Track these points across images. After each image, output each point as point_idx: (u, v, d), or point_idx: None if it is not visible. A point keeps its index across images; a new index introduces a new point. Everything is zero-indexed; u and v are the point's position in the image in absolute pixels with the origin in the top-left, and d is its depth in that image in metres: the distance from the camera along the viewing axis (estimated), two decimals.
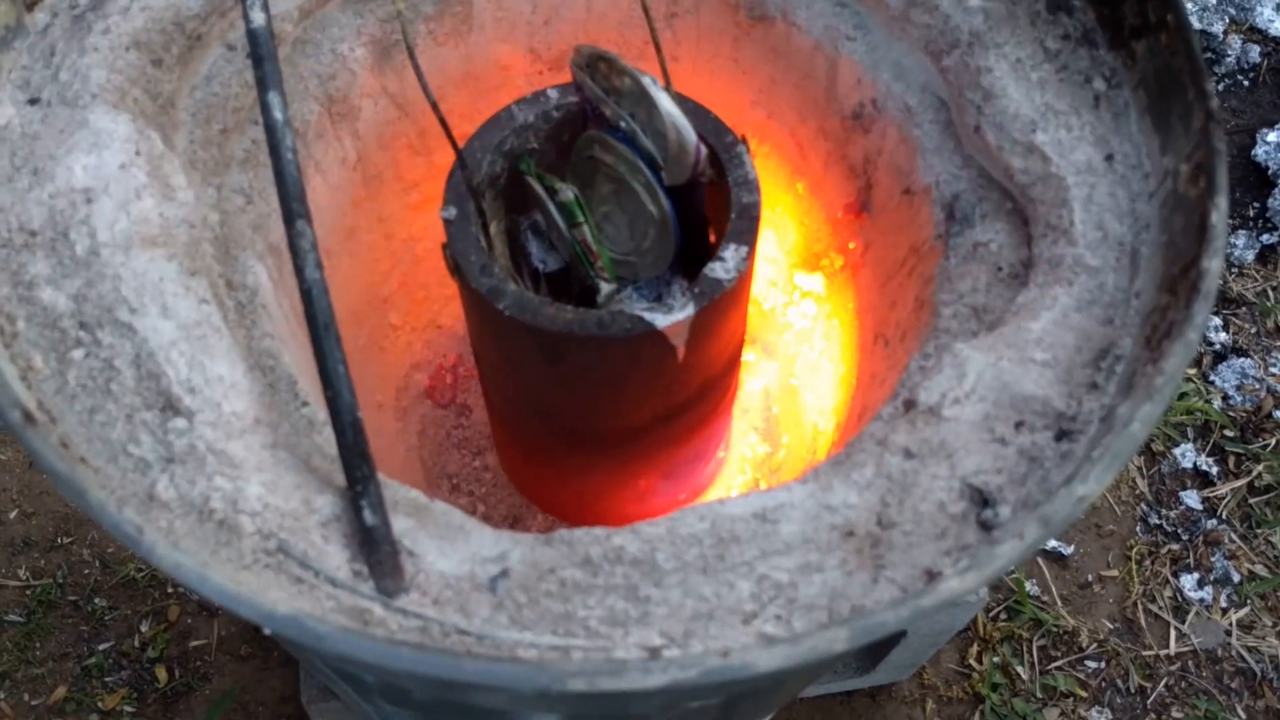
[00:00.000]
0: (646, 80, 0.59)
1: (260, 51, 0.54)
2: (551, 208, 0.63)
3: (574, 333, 0.59)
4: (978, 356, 0.50)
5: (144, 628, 1.14)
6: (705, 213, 0.65)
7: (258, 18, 0.55)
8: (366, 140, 0.70)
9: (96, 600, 1.14)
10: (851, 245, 0.73)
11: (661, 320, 0.59)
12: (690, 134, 0.60)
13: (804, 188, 0.76)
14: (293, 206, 0.50)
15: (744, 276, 0.62)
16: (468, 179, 0.62)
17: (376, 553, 0.45)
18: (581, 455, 0.71)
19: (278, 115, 0.52)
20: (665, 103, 0.59)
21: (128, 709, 1.10)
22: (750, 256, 0.61)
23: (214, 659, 1.13)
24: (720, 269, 0.60)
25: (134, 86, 0.55)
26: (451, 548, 0.47)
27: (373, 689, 0.53)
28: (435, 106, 0.59)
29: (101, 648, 1.13)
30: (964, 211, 0.60)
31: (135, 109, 0.54)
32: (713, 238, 0.67)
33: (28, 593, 1.14)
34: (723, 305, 0.61)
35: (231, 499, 0.45)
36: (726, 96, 0.74)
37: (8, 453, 1.20)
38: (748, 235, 0.61)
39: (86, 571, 1.15)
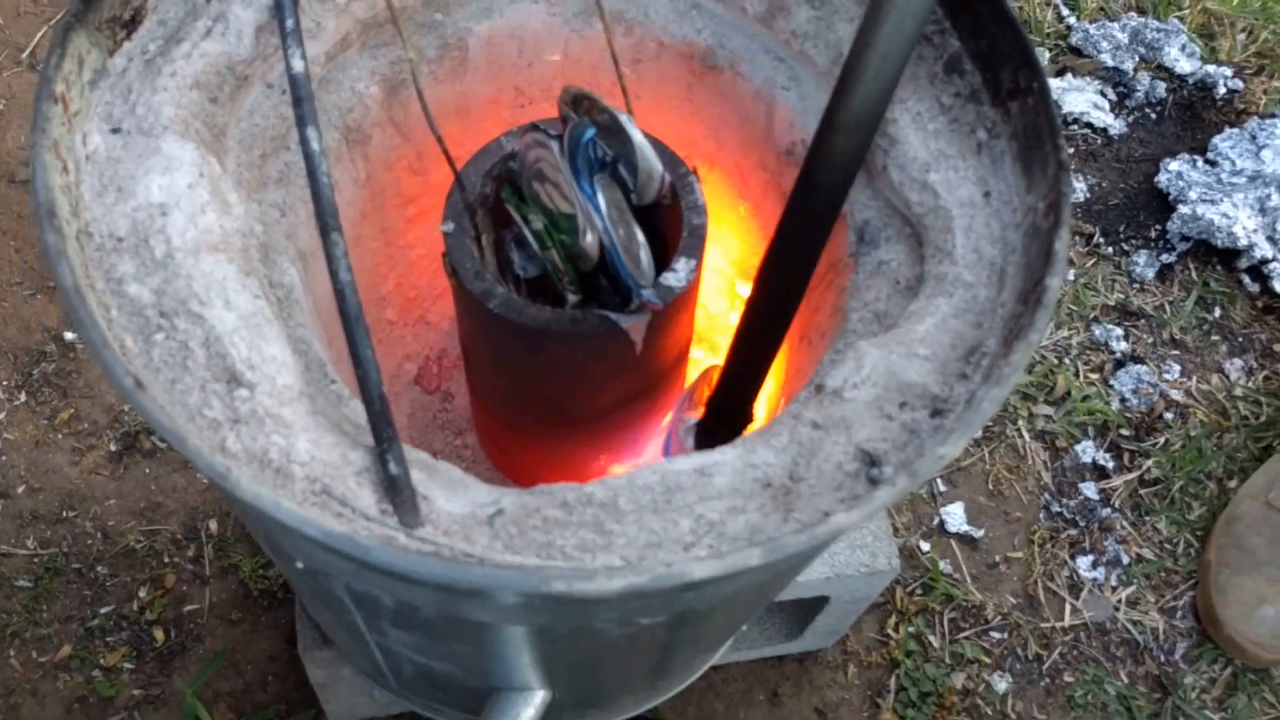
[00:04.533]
0: (623, 117, 0.72)
1: (299, 93, 0.66)
2: (526, 233, 0.76)
3: (551, 328, 0.72)
4: (874, 351, 0.64)
5: (142, 593, 1.24)
6: (664, 230, 0.78)
7: (298, 64, 0.67)
8: (374, 162, 0.82)
9: (98, 568, 1.25)
10: None
11: (623, 320, 0.72)
12: (657, 163, 0.73)
13: (746, 210, 0.90)
14: (328, 221, 0.62)
15: (692, 284, 0.75)
16: (464, 199, 0.75)
17: (399, 496, 0.57)
18: (553, 434, 0.84)
19: (314, 146, 0.64)
20: (637, 136, 0.72)
21: (127, 666, 1.21)
22: (698, 268, 0.74)
23: (206, 622, 1.24)
24: (673, 278, 0.73)
25: (195, 119, 0.67)
26: (456, 495, 0.60)
27: (384, 613, 0.65)
28: (438, 137, 0.72)
29: (103, 611, 1.23)
30: (871, 235, 0.73)
31: (197, 138, 0.66)
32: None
33: (35, 560, 1.25)
34: (674, 308, 0.74)
35: (285, 452, 0.57)
36: (681, 131, 0.87)
37: (14, 433, 1.31)
38: (696, 250, 0.74)
39: (89, 542, 1.26)
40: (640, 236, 0.73)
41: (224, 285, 0.62)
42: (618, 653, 0.72)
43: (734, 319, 0.99)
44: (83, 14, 0.63)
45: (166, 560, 1.26)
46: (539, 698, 0.78)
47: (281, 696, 1.21)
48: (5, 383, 1.33)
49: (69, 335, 1.36)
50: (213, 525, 1.28)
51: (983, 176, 0.70)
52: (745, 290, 0.96)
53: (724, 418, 0.80)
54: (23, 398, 1.33)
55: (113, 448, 1.31)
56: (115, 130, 0.65)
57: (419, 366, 0.98)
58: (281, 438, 0.58)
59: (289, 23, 0.69)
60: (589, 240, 0.72)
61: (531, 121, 0.74)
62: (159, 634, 1.22)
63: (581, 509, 0.58)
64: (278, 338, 0.62)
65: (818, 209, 0.64)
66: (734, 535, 0.57)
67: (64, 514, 1.27)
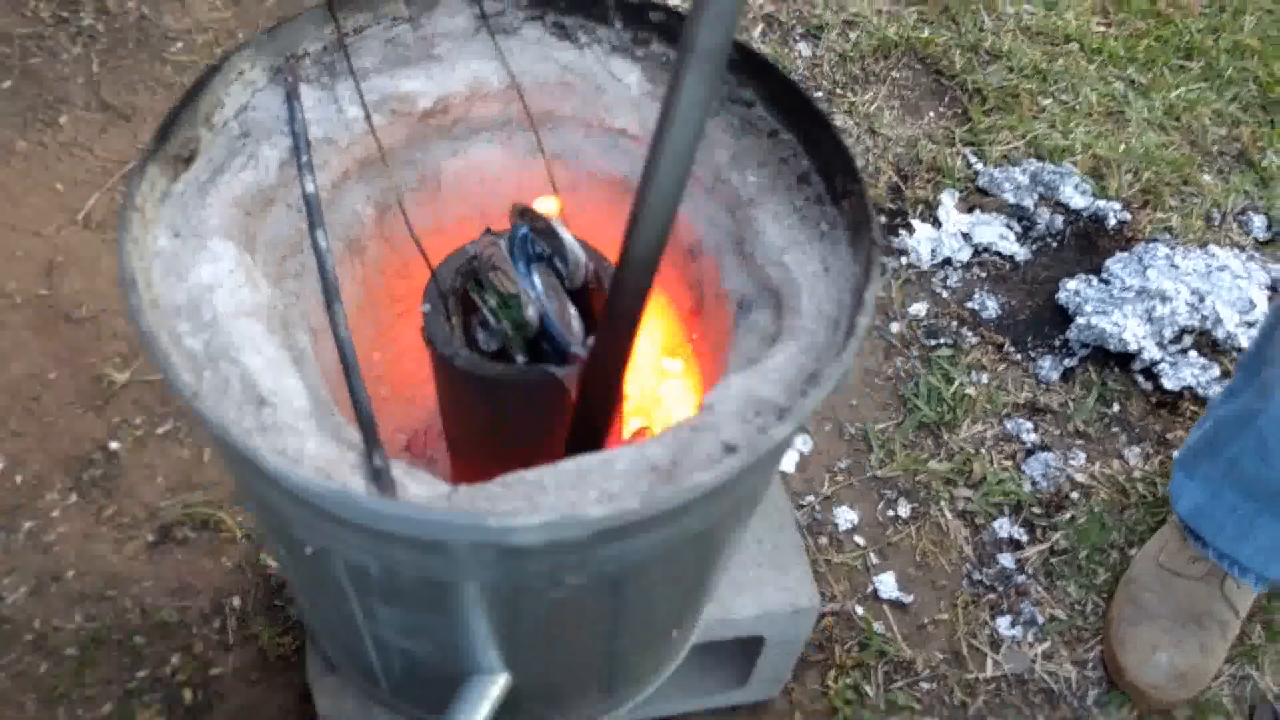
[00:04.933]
0: (556, 222, 0.96)
1: (310, 205, 0.91)
2: (484, 310, 0.99)
3: (503, 379, 0.94)
4: (738, 379, 0.86)
5: (174, 660, 1.43)
6: (591, 308, 1.01)
7: (310, 186, 0.92)
8: (370, 268, 1.06)
9: (136, 639, 1.44)
10: (694, 335, 1.10)
11: (559, 371, 0.95)
12: (582, 254, 0.96)
13: (665, 299, 1.13)
14: (331, 293, 0.86)
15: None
16: (438, 287, 0.98)
17: (381, 480, 0.79)
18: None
19: (322, 244, 0.88)
20: (567, 236, 0.96)
21: None
22: None
23: (229, 684, 1.42)
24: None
25: (234, 227, 0.91)
26: (423, 484, 0.81)
27: (374, 587, 0.85)
28: (416, 240, 0.96)
29: (140, 675, 1.42)
30: (746, 304, 0.96)
31: (235, 240, 0.90)
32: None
33: (81, 633, 1.44)
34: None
35: (299, 450, 0.79)
36: (610, 237, 1.11)
37: (66, 527, 1.52)
38: None
39: (129, 617, 1.46)
40: (571, 309, 0.96)
41: (255, 339, 0.84)
42: (559, 625, 0.92)
43: (663, 391, 1.21)
44: (155, 153, 0.88)
45: (195, 631, 1.45)
46: (502, 680, 0.97)
47: None
48: (59, 485, 1.55)
49: (114, 445, 1.59)
50: (235, 601, 1.47)
51: (824, 256, 0.94)
52: (670, 364, 1.19)
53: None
54: (74, 498, 1.54)
55: (150, 538, 1.51)
56: (176, 235, 0.89)
57: (409, 437, 1.20)
58: (296, 441, 0.79)
59: (304, 158, 0.94)
60: (530, 313, 0.95)
61: (487, 227, 0.98)
62: (188, 694, 1.40)
63: (516, 486, 0.79)
64: (293, 376, 0.84)
65: (622, 313, 0.86)
66: (627, 499, 0.78)
67: (107, 593, 1.47)
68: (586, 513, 0.72)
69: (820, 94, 2.09)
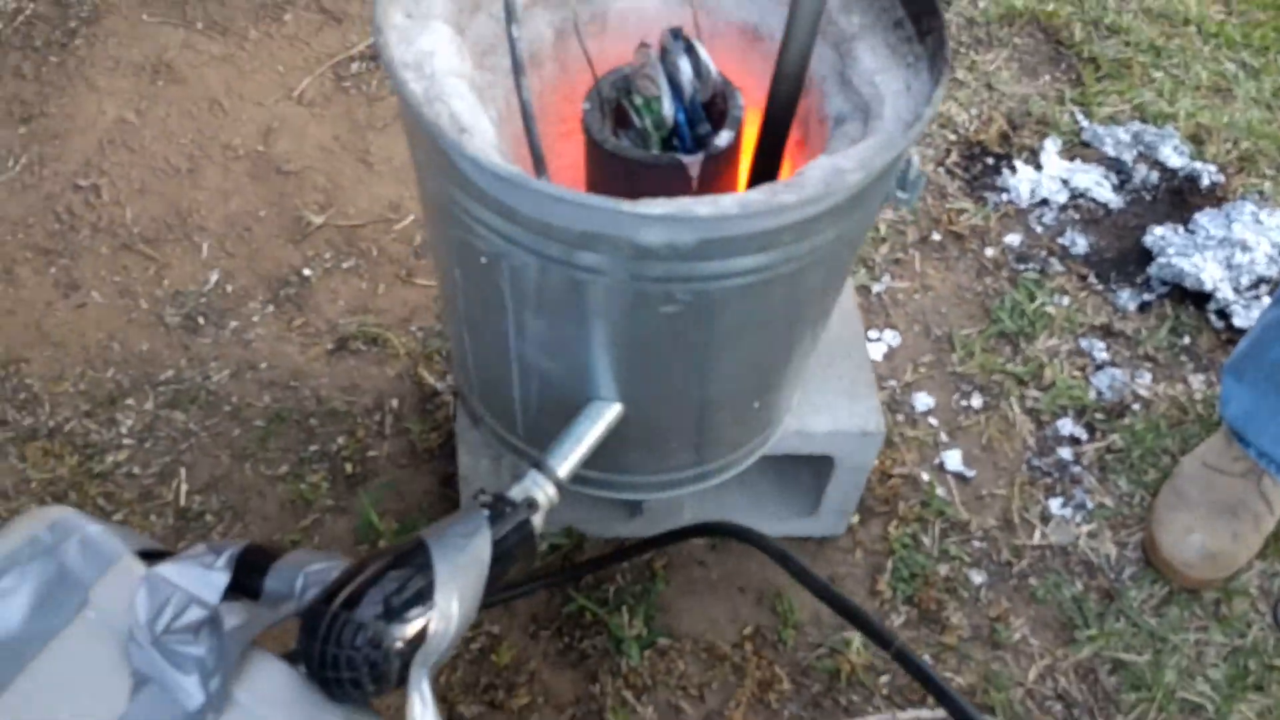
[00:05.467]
0: (697, 43, 1.21)
1: (509, 6, 1.18)
2: (630, 112, 1.24)
3: (644, 161, 1.19)
4: (825, 158, 1.09)
5: (340, 440, 1.71)
6: (717, 116, 1.26)
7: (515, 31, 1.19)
8: (545, 84, 1.33)
9: (311, 420, 1.73)
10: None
11: (687, 159, 1.19)
12: (715, 71, 1.21)
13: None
14: (519, 69, 1.12)
15: (732, 146, 1.21)
16: (598, 93, 1.24)
17: (543, 172, 1.04)
18: None
19: (515, 33, 1.15)
20: (705, 56, 1.21)
21: (325, 484, 1.67)
22: (736, 137, 1.21)
23: (383, 464, 1.70)
24: (719, 139, 1.20)
25: (451, 15, 1.18)
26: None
27: (529, 290, 1.11)
28: (586, 54, 1.22)
29: (312, 449, 1.70)
30: (839, 118, 1.20)
31: (451, 24, 1.17)
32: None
33: (268, 410, 1.73)
34: (719, 158, 1.21)
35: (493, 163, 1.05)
36: (739, 80, 1.35)
37: (263, 329, 1.82)
38: (735, 127, 1.22)
39: (306, 404, 1.74)
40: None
41: (460, 91, 1.11)
42: (670, 353, 1.15)
43: None
44: None
45: (359, 421, 1.73)
46: (616, 406, 1.21)
47: (432, 518, 1.65)
48: (260, 298, 1.86)
49: (306, 271, 1.89)
50: (394, 403, 1.75)
51: (908, 79, 1.16)
52: None
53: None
54: (270, 309, 1.85)
55: (329, 346, 1.81)
56: (408, 15, 1.16)
57: None
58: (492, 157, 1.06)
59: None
60: (667, 110, 1.20)
61: (642, 41, 1.24)
62: (349, 467, 1.68)
63: (652, 202, 1.04)
64: (484, 118, 1.10)
65: (781, 102, 1.12)
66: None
67: (290, 384, 1.76)
68: (695, 210, 0.96)
69: None
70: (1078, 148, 2.17)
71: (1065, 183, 2.09)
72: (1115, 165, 2.13)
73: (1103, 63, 2.29)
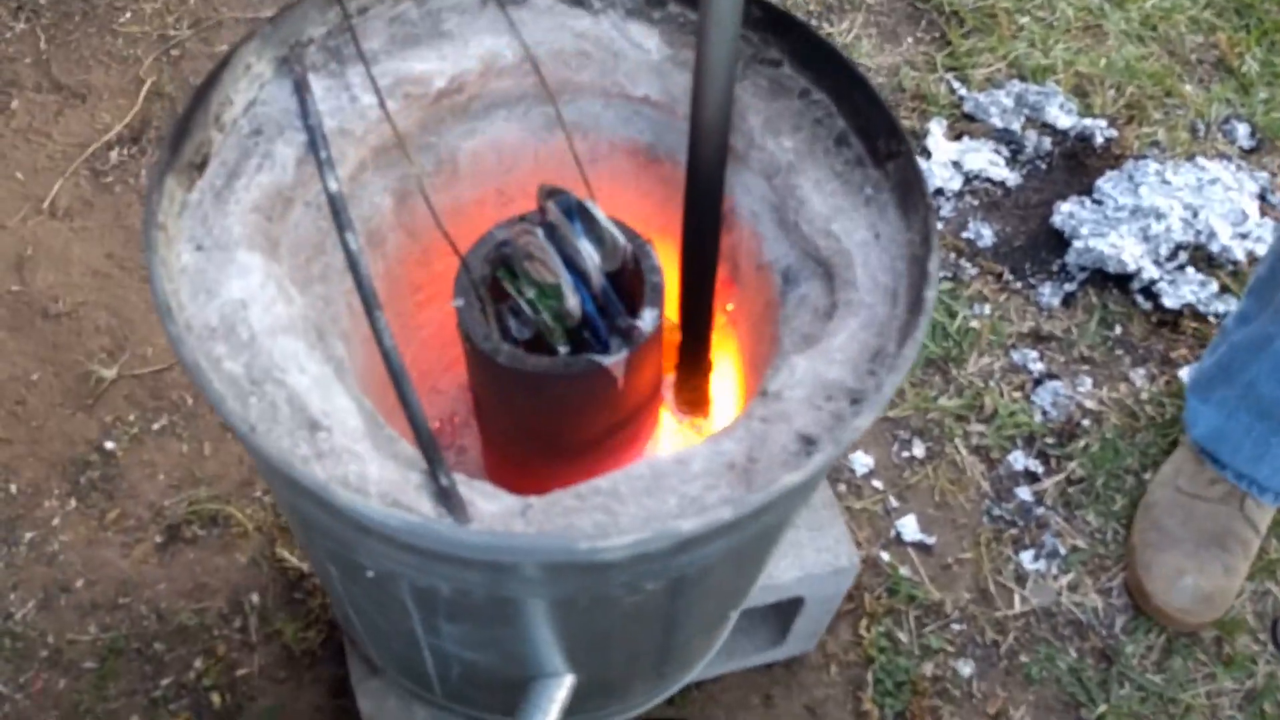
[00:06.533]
0: (589, 203, 0.92)
1: (337, 207, 0.86)
2: (521, 303, 0.95)
3: (550, 373, 0.90)
4: (803, 362, 0.83)
5: (197, 664, 1.40)
6: (631, 290, 0.97)
7: (333, 185, 0.87)
8: (390, 260, 1.01)
9: (156, 645, 1.40)
10: (729, 306, 1.06)
11: (607, 360, 0.91)
12: (619, 236, 0.92)
13: None
14: (370, 301, 0.81)
15: (657, 329, 0.94)
16: (470, 278, 0.94)
17: (451, 501, 0.75)
18: (556, 464, 1.02)
19: (354, 246, 0.83)
20: (602, 217, 0.92)
21: None
22: (660, 315, 0.93)
23: (257, 684, 1.39)
24: (642, 323, 0.92)
25: (257, 234, 0.86)
26: (492, 500, 0.77)
27: (441, 607, 0.82)
28: (444, 231, 0.91)
29: (164, 683, 1.38)
30: (792, 277, 0.93)
31: (260, 249, 0.85)
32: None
33: (98, 644, 1.40)
34: (645, 348, 0.93)
35: (361, 476, 0.75)
36: (635, 210, 1.06)
37: (69, 534, 1.47)
38: (657, 301, 0.94)
39: (145, 624, 1.42)
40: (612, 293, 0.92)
41: (297, 356, 0.80)
42: (628, 625, 0.90)
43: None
44: (170, 162, 0.83)
45: (216, 633, 1.41)
46: (567, 680, 0.95)
47: None
48: (56, 491, 1.49)
49: (109, 445, 1.53)
50: (254, 598, 1.43)
51: (872, 222, 0.90)
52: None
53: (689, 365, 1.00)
54: (73, 503, 1.49)
55: (158, 539, 1.47)
56: (199, 248, 0.83)
57: (436, 427, 1.16)
58: (356, 466, 0.75)
59: (323, 155, 0.89)
60: (572, 303, 0.91)
61: (519, 215, 0.94)
62: (215, 698, 1.37)
63: (592, 497, 0.76)
64: (341, 394, 0.80)
65: (702, 189, 0.88)
66: (711, 506, 0.76)
67: (120, 601, 1.42)
68: (678, 527, 0.69)
69: None
70: (962, 122, 1.95)
71: (957, 166, 1.88)
72: (1005, 136, 1.93)
73: (965, 16, 2.07)
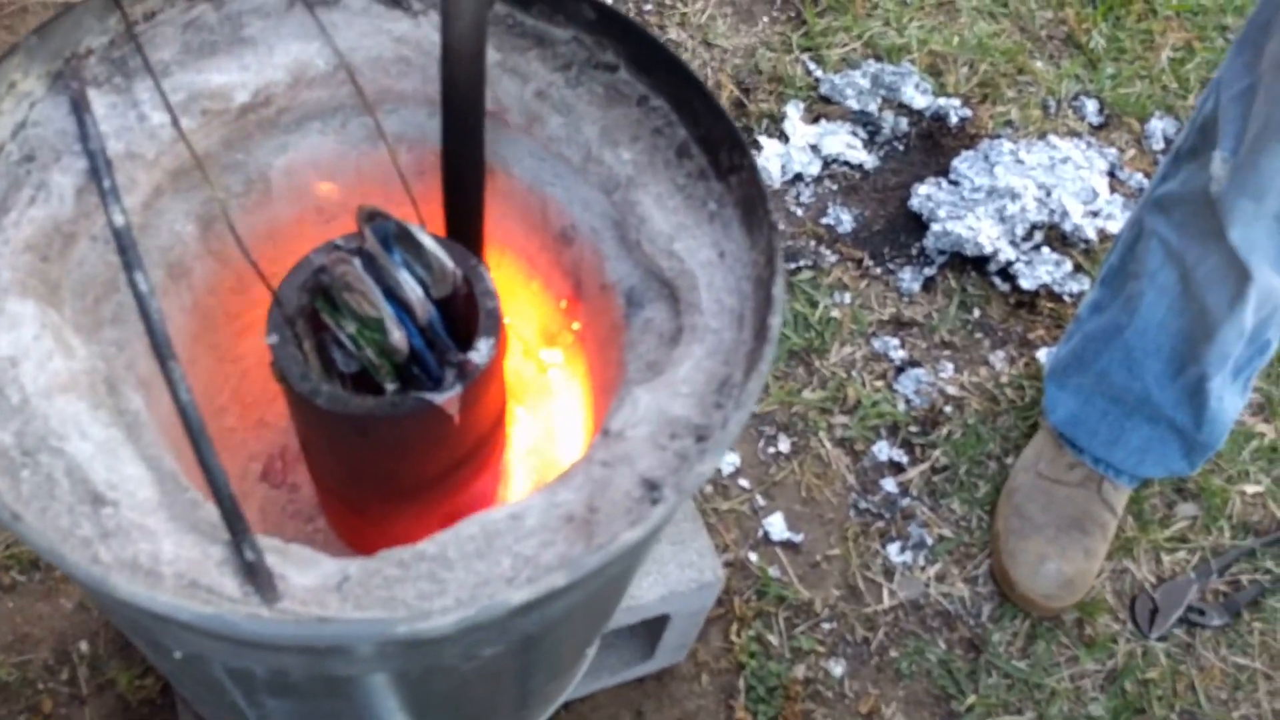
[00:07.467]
0: (413, 226, 0.84)
1: (124, 244, 0.76)
2: (342, 336, 0.87)
3: (375, 414, 0.83)
4: (646, 395, 0.77)
5: None
6: (464, 316, 0.90)
7: (119, 219, 0.77)
8: (199, 290, 0.92)
9: None
10: (575, 325, 1.00)
11: (438, 398, 0.84)
12: (447, 260, 0.85)
13: (537, 286, 1.03)
14: (163, 352, 0.72)
15: (495, 359, 0.87)
16: (283, 313, 0.85)
17: (257, 577, 0.68)
18: (395, 507, 0.95)
19: (144, 288, 0.74)
20: (427, 240, 0.84)
21: None
22: (497, 345, 0.87)
23: None
24: (476, 355, 0.85)
25: (31, 278, 0.76)
26: (307, 570, 0.70)
27: (260, 685, 0.75)
28: (252, 262, 0.82)
29: None
30: (636, 298, 0.87)
31: (35, 294, 0.75)
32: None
33: None
34: (482, 381, 0.86)
35: (153, 555, 0.67)
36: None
37: None
38: (493, 329, 0.87)
39: None
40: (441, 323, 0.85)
41: (78, 420, 0.71)
42: (477, 684, 0.83)
43: (537, 377, 1.12)
44: None
45: (41, 687, 1.30)
46: None
47: None
48: None
49: None
50: (84, 646, 1.33)
51: (716, 240, 0.85)
52: (549, 355, 1.09)
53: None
54: None
55: None
56: None
57: (264, 464, 1.07)
58: (148, 544, 0.67)
59: (106, 183, 0.79)
60: (396, 338, 0.83)
61: (331, 241, 0.86)
62: None
63: (416, 564, 0.69)
64: (132, 459, 0.71)
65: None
66: (547, 564, 0.69)
67: None
68: (508, 599, 0.63)
69: (650, 6, 1.97)
70: (819, 104, 1.91)
71: (815, 150, 1.84)
72: (862, 118, 1.90)
73: None
